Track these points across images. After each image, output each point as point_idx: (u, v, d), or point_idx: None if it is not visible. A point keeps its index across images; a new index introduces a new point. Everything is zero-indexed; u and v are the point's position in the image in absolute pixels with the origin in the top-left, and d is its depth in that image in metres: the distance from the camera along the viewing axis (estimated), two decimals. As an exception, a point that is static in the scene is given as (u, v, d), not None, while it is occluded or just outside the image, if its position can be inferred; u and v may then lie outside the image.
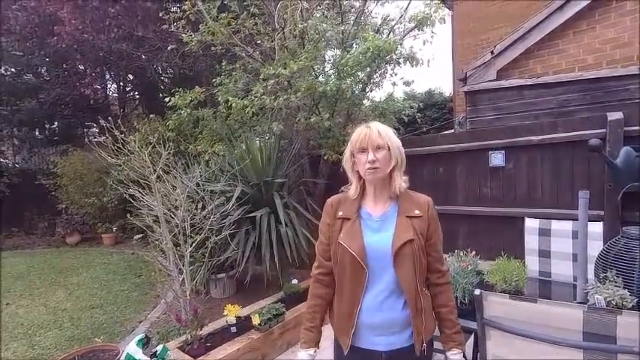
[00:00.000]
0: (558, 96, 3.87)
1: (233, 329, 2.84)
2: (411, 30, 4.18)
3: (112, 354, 2.47)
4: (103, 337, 3.25)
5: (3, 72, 8.20)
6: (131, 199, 3.02)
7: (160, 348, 2.20)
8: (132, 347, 2.18)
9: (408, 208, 1.31)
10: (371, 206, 1.35)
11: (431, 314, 1.35)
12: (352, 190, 1.37)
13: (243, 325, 2.89)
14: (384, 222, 1.31)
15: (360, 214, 1.34)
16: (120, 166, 2.95)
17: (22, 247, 7.36)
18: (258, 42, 4.15)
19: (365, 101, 4.61)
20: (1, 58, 7.59)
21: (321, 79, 4.16)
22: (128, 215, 3.30)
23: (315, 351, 1.39)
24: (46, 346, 3.21)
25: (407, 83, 3.99)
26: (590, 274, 1.88)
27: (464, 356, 1.41)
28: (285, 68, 3.43)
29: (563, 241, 2.42)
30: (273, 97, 3.60)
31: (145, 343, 2.24)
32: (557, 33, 3.89)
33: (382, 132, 1.28)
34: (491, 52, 4.20)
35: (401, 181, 1.32)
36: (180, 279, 2.86)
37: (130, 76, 8.53)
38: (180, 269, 2.87)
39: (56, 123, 8.87)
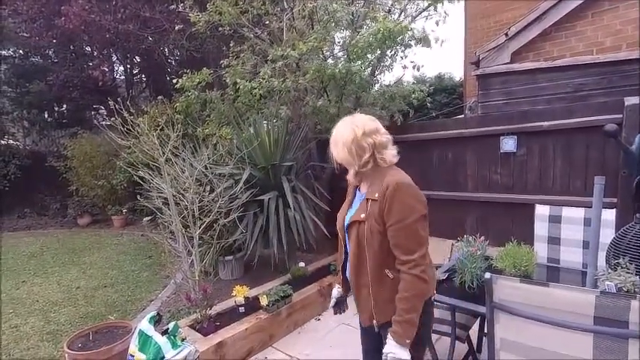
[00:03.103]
0: (573, 80, 3.77)
1: (241, 309, 2.89)
2: (424, 10, 4.06)
3: (124, 330, 2.54)
4: (116, 315, 3.35)
5: (12, 54, 8.21)
6: (141, 181, 3.05)
7: (171, 325, 2.25)
8: (144, 324, 2.23)
9: (373, 190, 1.40)
10: (363, 187, 1.52)
11: (385, 297, 1.38)
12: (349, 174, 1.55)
13: (251, 305, 2.94)
14: (358, 202, 1.50)
15: (355, 193, 1.56)
16: (129, 148, 2.96)
17: (34, 228, 7.53)
18: (266, 22, 4.08)
19: (374, 85, 4.53)
20: (6, 39, 7.55)
21: (329, 61, 4.09)
22: (138, 197, 3.33)
23: (338, 288, 1.73)
24: (61, 322, 3.31)
25: (417, 67, 3.89)
26: (601, 262, 1.86)
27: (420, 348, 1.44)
28: (293, 49, 3.38)
29: (573, 229, 2.39)
30: (281, 80, 3.56)
31: (156, 320, 2.29)
32: (576, 14, 3.75)
33: (330, 144, 1.45)
34: (506, 35, 4.08)
35: (356, 165, 1.40)
36: (190, 260, 2.90)
37: (137, 59, 8.49)
38: (189, 251, 2.91)
39: (65, 105, 8.91)
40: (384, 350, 1.33)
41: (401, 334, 1.30)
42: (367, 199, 1.39)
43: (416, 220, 1.31)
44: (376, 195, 1.36)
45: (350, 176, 1.52)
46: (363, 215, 1.38)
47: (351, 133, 1.39)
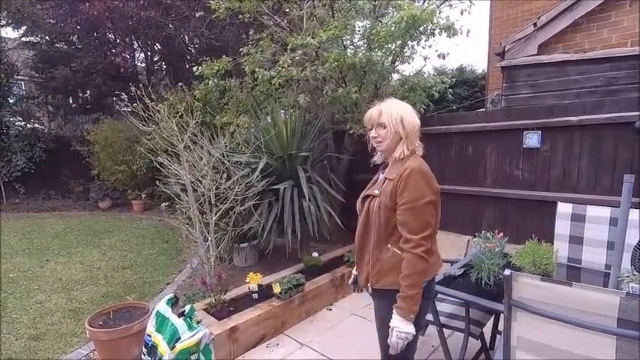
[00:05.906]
0: (605, 73, 3.59)
1: (255, 296, 2.94)
2: (449, -2, 3.93)
3: (142, 311, 2.62)
4: (134, 296, 3.46)
5: (40, 40, 8.43)
6: (160, 167, 3.11)
7: (187, 308, 2.30)
8: (162, 306, 2.30)
9: (391, 172, 1.51)
10: (386, 171, 1.59)
11: (383, 265, 1.50)
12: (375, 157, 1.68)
13: (265, 293, 2.99)
14: (379, 182, 1.59)
15: (379, 174, 1.67)
16: (149, 134, 3.01)
17: (58, 209, 7.82)
18: (287, 10, 4.03)
19: (394, 75, 4.44)
20: (34, 25, 7.73)
21: (349, 51, 4.02)
22: (157, 182, 3.40)
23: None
24: (82, 300, 3.45)
25: (442, 56, 3.74)
26: (626, 264, 1.79)
27: (419, 326, 1.51)
28: (313, 38, 3.33)
29: (598, 228, 2.30)
30: (300, 69, 3.53)
31: (174, 302, 2.35)
32: (612, 2, 3.55)
33: (383, 111, 1.52)
34: (534, 25, 3.91)
35: (401, 151, 1.51)
36: (206, 246, 2.96)
37: (158, 46, 8.58)
38: (205, 236, 2.97)
39: (88, 91, 9.13)
40: (390, 324, 1.42)
41: (405, 309, 1.40)
42: (385, 179, 1.52)
43: (424, 204, 1.40)
44: (394, 175, 1.47)
45: (377, 157, 1.64)
46: (377, 191, 1.53)
47: (411, 113, 1.53)
